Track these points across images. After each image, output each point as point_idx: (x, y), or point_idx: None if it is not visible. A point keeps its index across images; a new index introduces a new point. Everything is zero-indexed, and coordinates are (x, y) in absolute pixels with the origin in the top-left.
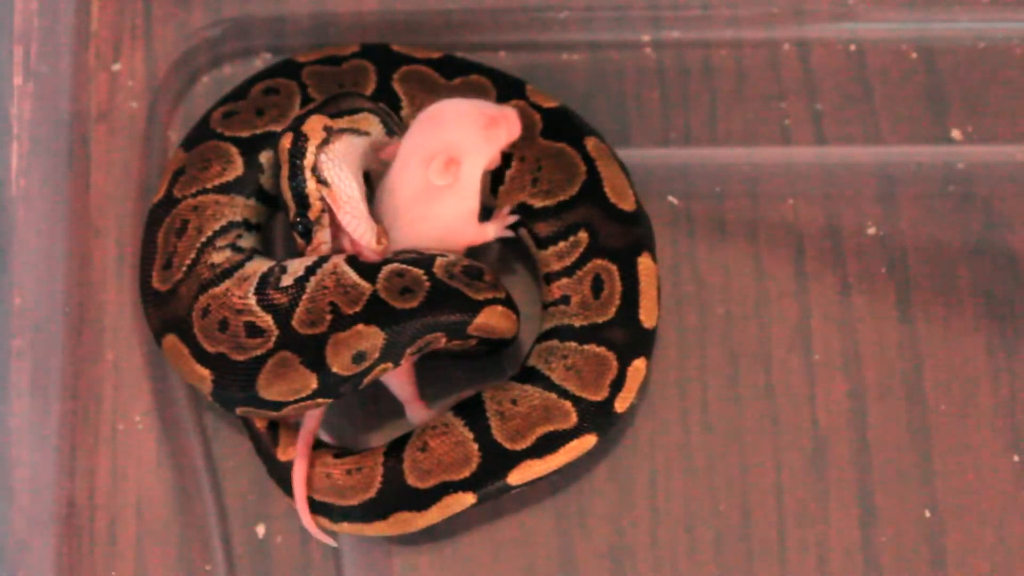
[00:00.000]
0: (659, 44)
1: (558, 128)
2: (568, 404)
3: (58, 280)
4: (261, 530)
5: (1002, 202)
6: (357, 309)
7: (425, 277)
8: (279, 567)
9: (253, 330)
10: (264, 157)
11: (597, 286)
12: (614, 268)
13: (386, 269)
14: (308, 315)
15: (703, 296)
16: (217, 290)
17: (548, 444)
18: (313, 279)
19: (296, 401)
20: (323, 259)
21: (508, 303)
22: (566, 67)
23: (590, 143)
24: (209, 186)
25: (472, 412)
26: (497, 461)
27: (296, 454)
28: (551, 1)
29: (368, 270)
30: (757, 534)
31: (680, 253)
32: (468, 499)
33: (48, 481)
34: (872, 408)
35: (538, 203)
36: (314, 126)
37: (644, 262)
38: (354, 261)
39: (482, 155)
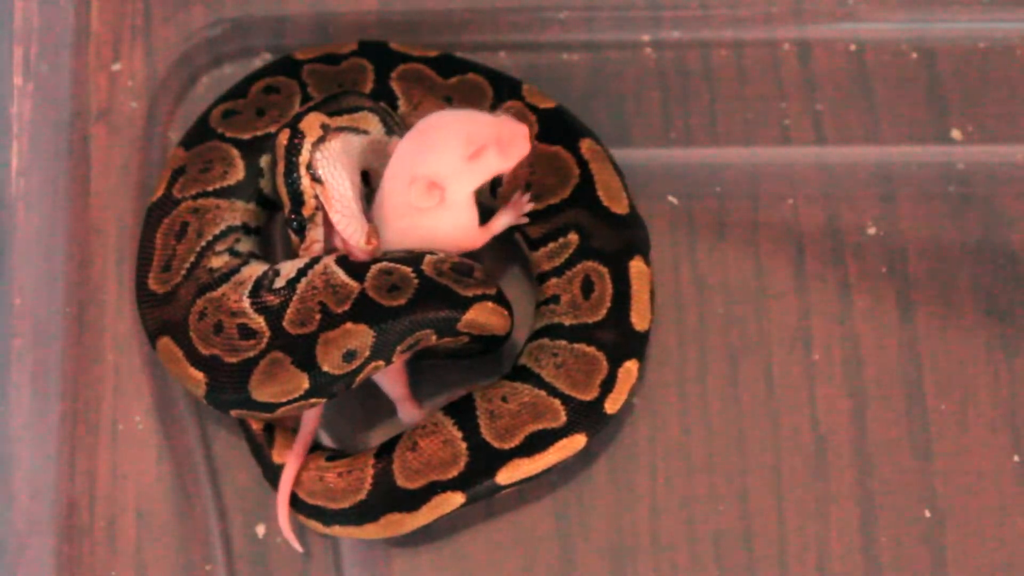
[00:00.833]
0: (659, 44)
1: (553, 130)
2: (558, 402)
3: (58, 280)
4: (261, 530)
5: (1002, 202)
6: (346, 308)
7: (413, 274)
8: (279, 567)
9: (246, 332)
10: (264, 160)
11: (587, 287)
12: (605, 271)
13: (375, 267)
14: (298, 315)
15: (703, 296)
16: (214, 294)
17: (537, 443)
18: (304, 280)
19: (289, 402)
20: (315, 260)
21: (499, 299)
22: (566, 67)
23: (585, 145)
24: (210, 189)
25: (462, 411)
26: (485, 460)
27: (290, 457)
28: (551, 1)
29: (357, 269)
30: (757, 534)
31: (680, 253)
32: (457, 499)
33: (48, 481)
34: (872, 408)
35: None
36: (311, 123)
37: (636, 265)
38: (344, 261)
39: (468, 183)
